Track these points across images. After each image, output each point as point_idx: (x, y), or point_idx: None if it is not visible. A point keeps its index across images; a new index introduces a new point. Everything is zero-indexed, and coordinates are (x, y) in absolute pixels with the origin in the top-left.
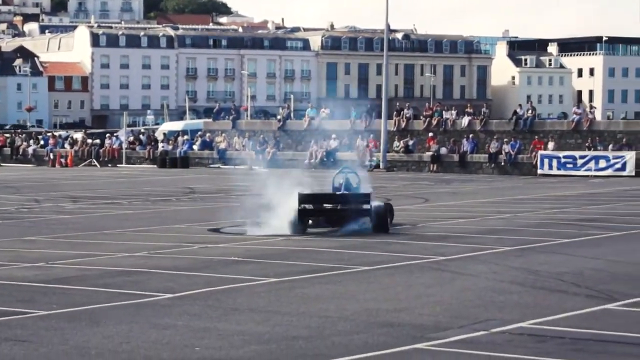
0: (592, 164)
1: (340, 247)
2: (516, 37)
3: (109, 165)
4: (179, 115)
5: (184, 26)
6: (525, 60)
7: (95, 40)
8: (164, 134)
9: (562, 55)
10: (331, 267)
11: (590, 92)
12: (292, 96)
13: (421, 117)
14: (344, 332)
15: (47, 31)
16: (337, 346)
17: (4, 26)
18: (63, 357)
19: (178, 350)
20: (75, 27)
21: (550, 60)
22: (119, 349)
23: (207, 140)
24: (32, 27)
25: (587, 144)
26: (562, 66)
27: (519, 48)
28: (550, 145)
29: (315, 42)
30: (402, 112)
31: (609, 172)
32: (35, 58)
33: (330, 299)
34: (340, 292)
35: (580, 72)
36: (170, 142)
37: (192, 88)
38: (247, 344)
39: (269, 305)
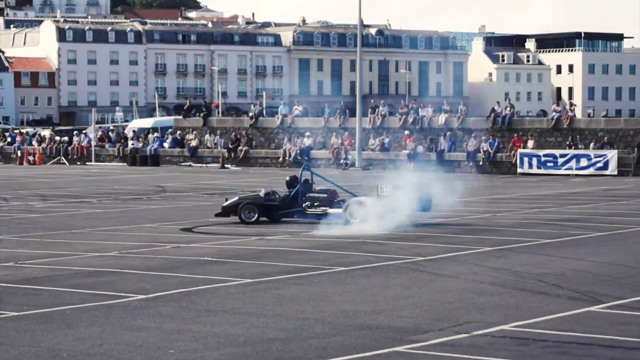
0: (573, 163)
1: (315, 247)
2: (493, 33)
3: (78, 163)
4: (149, 112)
5: (152, 21)
6: (503, 56)
7: (61, 35)
8: (134, 131)
9: (540, 52)
10: (307, 268)
11: (570, 89)
12: (264, 93)
13: (397, 115)
14: (321, 335)
15: (12, 26)
16: (315, 349)
17: None
18: (34, 359)
19: (152, 352)
20: (41, 22)
21: (528, 56)
22: (92, 351)
23: (178, 137)
24: None
25: (568, 142)
26: (540, 62)
27: (496, 44)
28: (530, 143)
29: (287, 37)
30: (377, 110)
31: (590, 171)
32: (1, 53)
33: (306, 300)
34: (317, 294)
35: (559, 69)
36: (140, 139)
37: (161, 84)
38: (222, 346)
39: (244, 307)
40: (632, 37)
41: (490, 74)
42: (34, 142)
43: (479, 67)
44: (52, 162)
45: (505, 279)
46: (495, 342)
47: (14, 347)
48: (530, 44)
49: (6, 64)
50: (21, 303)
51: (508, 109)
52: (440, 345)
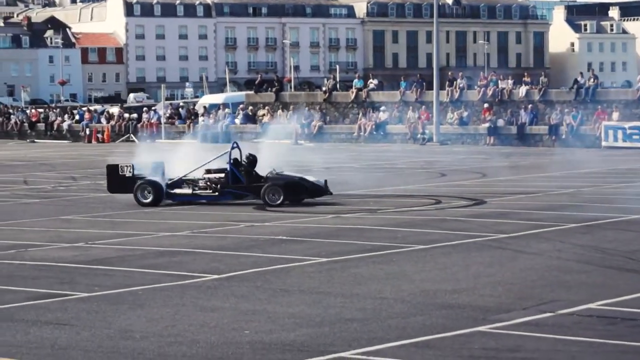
0: None
1: (393, 225)
2: (575, 1)
3: (148, 140)
4: (219, 87)
5: None
6: (585, 25)
7: (129, 10)
8: (204, 107)
9: (624, 20)
10: (385, 246)
11: None
12: (337, 66)
13: (475, 87)
14: (400, 315)
15: (78, 0)
16: (394, 329)
17: None
18: (107, 341)
19: (226, 333)
20: None
21: (611, 25)
22: (165, 332)
23: (250, 113)
24: None
25: None
26: (624, 31)
27: (578, 13)
28: (615, 115)
29: (361, 8)
30: (455, 82)
31: None
32: (67, 29)
33: (385, 279)
34: (396, 273)
35: None
36: (211, 115)
37: (231, 59)
38: (299, 326)
39: (321, 286)
40: None
41: (573, 44)
42: (103, 120)
43: (561, 37)
44: (121, 139)
45: (591, 256)
46: (581, 321)
47: (86, 329)
48: (613, 12)
49: (73, 40)
50: (92, 284)
51: (591, 80)
52: (525, 325)
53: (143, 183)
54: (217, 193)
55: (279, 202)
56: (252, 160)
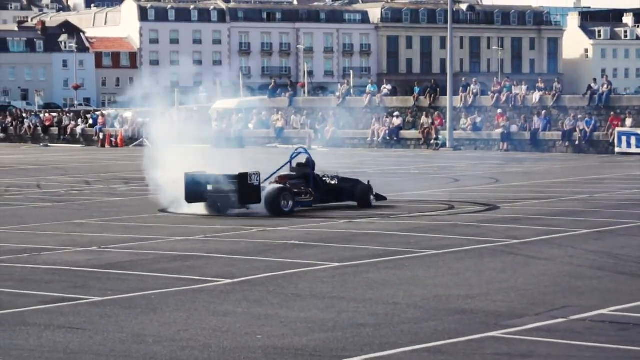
0: None
1: (405, 230)
2: (589, 8)
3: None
4: (233, 92)
5: None
6: (599, 32)
7: (143, 15)
8: (218, 112)
9: (638, 26)
10: (397, 251)
11: None
12: (351, 71)
13: (489, 93)
14: (413, 320)
15: (92, 5)
16: (406, 334)
17: (47, 0)
18: (119, 345)
19: (239, 337)
20: (122, 1)
21: (625, 31)
22: (177, 336)
23: (263, 118)
24: (77, 0)
25: None
26: (638, 38)
27: (592, 19)
28: (628, 121)
29: (375, 14)
30: (468, 88)
31: None
32: (81, 33)
33: (397, 284)
34: (408, 278)
35: None
36: (225, 120)
37: (245, 64)
38: (311, 331)
39: (333, 291)
40: None
41: (586, 50)
42: (116, 124)
43: (575, 43)
44: (134, 144)
45: (604, 262)
46: (594, 327)
47: (99, 333)
48: (627, 19)
49: (87, 45)
50: (105, 288)
51: (605, 86)
52: (537, 330)
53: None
54: (312, 198)
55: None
56: (312, 164)
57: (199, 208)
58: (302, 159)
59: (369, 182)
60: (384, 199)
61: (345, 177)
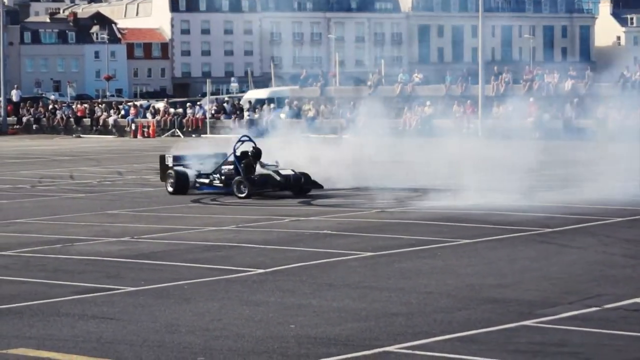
0: None
1: (438, 219)
2: None
3: (193, 135)
4: (264, 82)
5: None
6: (632, 19)
7: (174, 5)
8: (250, 102)
9: None
10: (430, 241)
11: None
12: (382, 61)
13: (521, 81)
14: (446, 309)
15: None
16: (439, 323)
17: None
18: (152, 335)
19: (272, 327)
20: None
21: None
22: (211, 326)
23: (295, 108)
24: None
25: None
26: None
27: (624, 6)
28: None
29: (406, 3)
30: (500, 76)
31: None
32: (113, 24)
33: (430, 273)
34: (441, 267)
35: None
36: (256, 110)
37: (276, 54)
38: (344, 321)
39: (366, 281)
40: None
41: (619, 38)
42: (148, 115)
43: (607, 31)
44: (166, 134)
45: (637, 251)
46: (628, 315)
47: (132, 323)
48: None
49: (119, 36)
50: (138, 278)
51: (638, 73)
52: (570, 319)
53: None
54: (222, 184)
55: (243, 195)
56: (256, 153)
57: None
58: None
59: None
60: (320, 187)
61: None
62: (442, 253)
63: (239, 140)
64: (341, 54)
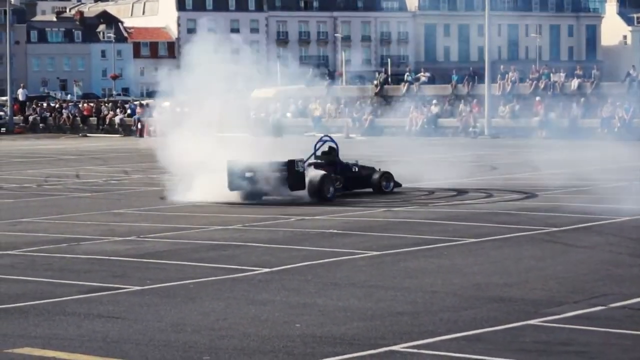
0: None
1: (443, 219)
2: None
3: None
4: (271, 81)
5: None
6: (638, 18)
7: (181, 4)
8: (256, 100)
9: None
10: (436, 240)
11: None
12: (389, 60)
13: (527, 81)
14: (451, 308)
15: None
16: (445, 322)
17: None
18: (158, 334)
19: (278, 326)
20: None
21: None
22: (216, 325)
23: (301, 107)
24: None
25: None
26: None
27: (630, 5)
28: None
29: (412, 2)
30: (506, 75)
31: None
32: (119, 23)
33: (436, 272)
34: (447, 266)
35: None
36: (262, 109)
37: (283, 53)
38: (350, 320)
39: (371, 280)
40: None
41: (625, 37)
42: (155, 114)
43: (613, 30)
44: None
45: None
46: (633, 314)
47: (138, 322)
48: None
49: (125, 35)
50: (144, 277)
51: None
52: (576, 318)
53: None
54: (341, 185)
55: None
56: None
57: (230, 196)
58: (326, 147)
59: (380, 169)
60: (399, 185)
61: (363, 165)
62: (448, 252)
63: (320, 140)
64: (347, 53)
